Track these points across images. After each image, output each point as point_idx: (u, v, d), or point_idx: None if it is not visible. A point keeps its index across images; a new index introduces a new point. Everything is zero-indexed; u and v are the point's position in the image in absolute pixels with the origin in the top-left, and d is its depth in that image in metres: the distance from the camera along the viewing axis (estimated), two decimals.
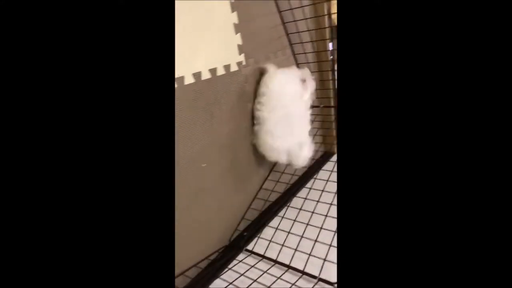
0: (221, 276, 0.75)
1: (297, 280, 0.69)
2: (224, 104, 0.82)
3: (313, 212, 0.84)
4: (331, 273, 0.68)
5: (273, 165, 1.03)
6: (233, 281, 0.71)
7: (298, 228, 0.82)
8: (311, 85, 0.92)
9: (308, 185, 1.01)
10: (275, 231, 0.86)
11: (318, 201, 0.87)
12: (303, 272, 0.71)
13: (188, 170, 0.74)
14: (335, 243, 0.73)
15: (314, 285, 0.67)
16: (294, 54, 1.05)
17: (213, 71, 0.77)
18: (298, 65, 1.08)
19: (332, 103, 1.19)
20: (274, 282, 0.69)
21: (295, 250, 0.76)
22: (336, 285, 0.66)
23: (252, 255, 0.82)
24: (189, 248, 0.78)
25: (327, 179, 0.93)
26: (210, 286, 0.75)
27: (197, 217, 0.79)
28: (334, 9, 1.13)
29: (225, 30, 0.80)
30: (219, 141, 0.82)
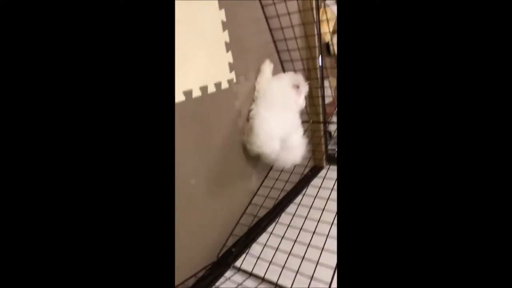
0: None
1: None
2: (214, 121, 0.83)
3: (301, 229, 0.85)
4: None
5: (263, 180, 1.04)
6: None
7: (286, 245, 0.82)
8: (305, 90, 0.97)
9: (297, 200, 1.01)
10: (263, 248, 0.86)
11: (306, 218, 0.88)
12: None
13: (176, 186, 0.74)
14: (322, 260, 0.73)
15: None
16: (284, 71, 1.08)
17: (204, 89, 0.78)
18: None
19: (321, 119, 1.21)
20: None
21: (283, 267, 0.76)
22: None
23: (240, 272, 0.82)
24: (177, 265, 0.77)
25: (315, 195, 0.94)
26: None
27: (185, 234, 0.79)
28: (323, 27, 1.16)
29: (217, 48, 0.81)
30: (208, 157, 0.83)
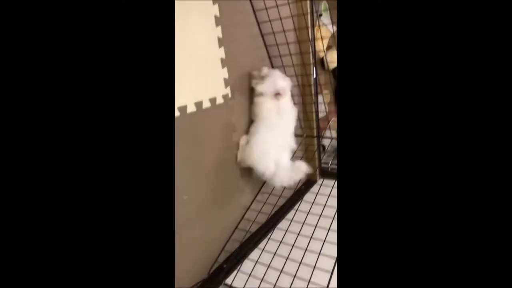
0: None
1: None
2: (208, 136, 0.83)
3: (293, 246, 0.85)
4: None
5: (256, 195, 1.04)
6: None
7: (278, 262, 0.82)
8: (287, 93, 0.93)
9: (289, 216, 1.01)
10: (255, 264, 0.85)
11: (298, 234, 0.88)
12: None
13: None
14: (314, 279, 0.73)
15: None
16: None
17: (198, 104, 0.78)
18: None
19: (314, 133, 1.22)
20: None
21: (274, 285, 0.76)
22: None
23: None
24: None
25: (308, 211, 0.94)
26: None
27: (176, 249, 0.78)
28: (318, 45, 1.19)
29: (212, 64, 0.82)
30: (202, 173, 0.83)
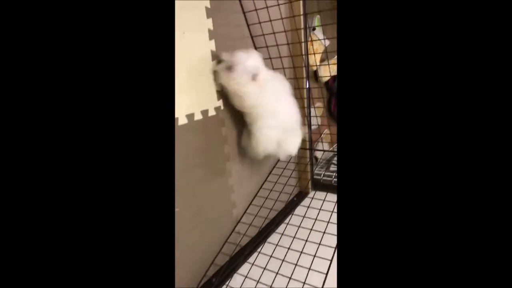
0: None
1: None
2: (200, 148, 0.83)
3: (283, 260, 0.84)
4: None
5: (246, 208, 1.03)
6: None
7: (267, 277, 0.81)
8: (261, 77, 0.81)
9: (280, 229, 1.01)
10: (244, 279, 0.84)
11: (289, 248, 0.87)
12: None
13: None
14: None
15: None
16: None
17: (190, 116, 0.78)
18: None
19: (307, 145, 1.23)
20: None
21: None
22: None
23: None
24: None
25: (299, 224, 0.94)
26: None
27: None
28: (311, 59, 1.20)
29: (205, 77, 0.82)
30: (193, 184, 0.82)
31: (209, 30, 0.81)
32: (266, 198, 1.06)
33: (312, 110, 1.19)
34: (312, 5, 1.10)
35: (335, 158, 1.47)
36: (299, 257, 0.82)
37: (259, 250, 0.94)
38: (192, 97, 0.78)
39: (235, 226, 0.98)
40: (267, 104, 0.84)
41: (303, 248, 0.84)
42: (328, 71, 1.30)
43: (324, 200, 1.00)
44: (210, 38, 0.82)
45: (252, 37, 0.97)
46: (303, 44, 1.04)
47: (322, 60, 1.38)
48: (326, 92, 1.42)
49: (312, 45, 1.16)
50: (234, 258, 0.94)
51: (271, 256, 0.88)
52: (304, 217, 0.96)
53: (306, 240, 0.86)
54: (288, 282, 0.77)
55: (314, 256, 0.79)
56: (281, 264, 0.83)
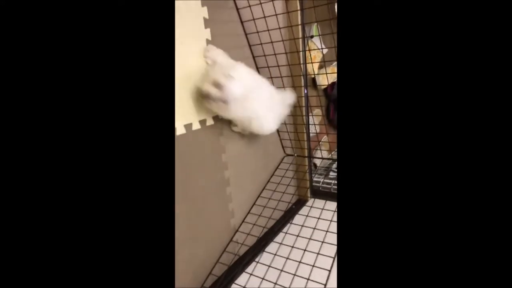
0: None
1: None
2: (198, 157, 0.83)
3: (281, 270, 0.83)
4: None
5: (245, 217, 1.03)
6: None
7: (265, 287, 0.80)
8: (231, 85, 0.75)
9: (278, 239, 1.00)
10: None
11: (287, 258, 0.86)
12: None
13: None
14: None
15: None
16: None
17: (188, 126, 0.78)
18: None
19: (306, 153, 1.22)
20: None
21: None
22: None
23: None
24: None
25: (298, 234, 0.93)
26: None
27: None
28: (309, 67, 1.21)
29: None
30: (190, 194, 0.82)
31: (207, 40, 0.81)
32: (264, 207, 1.06)
33: (310, 117, 1.19)
34: (310, 15, 1.10)
35: (334, 165, 1.47)
36: (298, 267, 0.82)
37: (257, 259, 0.93)
38: (190, 107, 0.79)
39: (233, 236, 0.97)
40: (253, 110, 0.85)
41: (301, 258, 0.83)
42: (326, 78, 1.31)
43: (322, 209, 0.99)
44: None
45: (250, 46, 0.97)
46: (301, 53, 1.04)
47: (320, 68, 1.39)
48: (324, 100, 1.43)
49: (310, 53, 1.17)
50: (232, 268, 0.93)
51: (269, 266, 0.87)
52: (302, 226, 0.96)
53: (305, 250, 0.85)
54: None
55: (313, 266, 0.79)
56: (279, 274, 0.82)
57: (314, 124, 1.22)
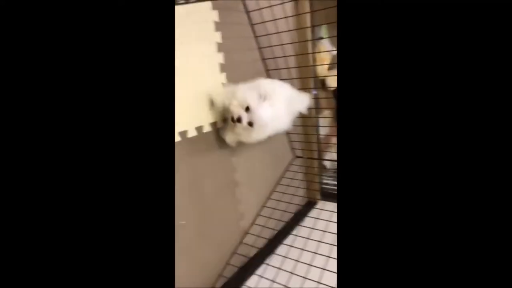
0: None
1: None
2: (208, 159, 0.83)
3: (291, 273, 0.83)
4: None
5: (254, 219, 1.03)
6: None
7: None
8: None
9: (288, 241, 1.00)
10: None
11: (297, 261, 0.86)
12: None
13: None
14: None
15: None
16: None
17: (199, 128, 0.79)
18: None
19: (315, 155, 1.22)
20: None
21: None
22: None
23: None
24: None
25: (308, 236, 0.93)
26: None
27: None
28: (319, 68, 1.20)
29: (213, 89, 0.83)
30: (201, 196, 0.82)
31: (217, 43, 0.82)
32: (274, 209, 1.06)
33: (320, 119, 1.19)
34: (319, 17, 1.10)
35: None
36: (308, 269, 0.82)
37: (267, 262, 0.93)
38: (201, 110, 0.79)
39: (243, 238, 0.97)
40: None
41: (312, 261, 0.83)
42: (336, 80, 1.30)
43: (333, 211, 0.99)
44: (219, 51, 0.83)
45: (259, 49, 0.98)
46: (310, 55, 1.04)
47: (330, 70, 1.38)
48: (334, 101, 1.42)
49: (320, 55, 1.16)
50: (242, 270, 0.93)
51: (279, 269, 0.87)
52: (312, 228, 0.95)
53: (315, 253, 0.85)
54: None
55: (323, 269, 0.78)
56: (289, 277, 0.82)
57: (324, 126, 1.22)
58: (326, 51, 1.29)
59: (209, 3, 0.78)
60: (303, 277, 0.80)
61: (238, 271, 0.92)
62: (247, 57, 0.94)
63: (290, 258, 0.89)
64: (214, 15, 0.81)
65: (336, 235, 0.87)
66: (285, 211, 1.06)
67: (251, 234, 0.99)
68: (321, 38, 1.31)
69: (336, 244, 0.84)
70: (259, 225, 1.01)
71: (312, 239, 0.91)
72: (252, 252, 0.99)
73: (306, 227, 0.97)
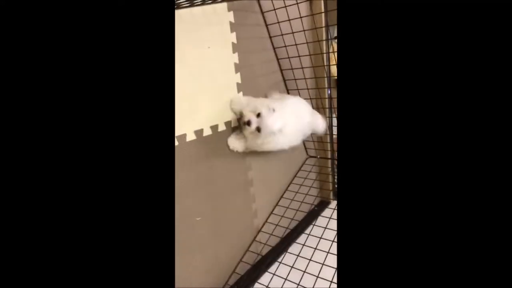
0: None
1: None
2: (223, 158, 0.85)
3: (304, 272, 0.83)
4: None
5: (267, 217, 1.04)
6: None
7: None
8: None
9: (301, 240, 1.00)
10: None
11: (310, 260, 0.86)
12: None
13: (180, 224, 0.75)
14: None
15: None
16: None
17: (214, 127, 0.80)
18: None
19: (329, 155, 1.22)
20: None
21: None
22: None
23: None
24: None
25: (321, 236, 0.93)
26: None
27: (187, 272, 0.79)
28: (333, 69, 1.20)
29: (228, 89, 0.85)
30: (215, 194, 0.84)
31: (233, 44, 0.84)
32: (287, 208, 1.06)
33: (334, 119, 1.19)
34: (334, 17, 1.10)
35: None
36: (321, 268, 0.82)
37: (280, 260, 0.94)
38: (215, 109, 0.81)
39: (256, 235, 0.99)
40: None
41: (324, 260, 0.83)
42: None
43: None
44: (234, 52, 0.84)
45: (274, 49, 0.99)
46: (325, 54, 1.04)
47: None
48: None
49: (334, 55, 1.16)
50: (255, 267, 0.94)
51: (292, 267, 0.87)
52: (325, 228, 0.95)
53: (328, 252, 0.85)
54: None
55: (336, 268, 0.78)
56: (302, 275, 0.83)
57: (337, 125, 1.21)
58: None
59: (224, 4, 0.80)
60: (316, 276, 0.80)
61: (251, 268, 0.93)
62: (262, 57, 0.95)
63: (302, 257, 0.89)
64: (230, 16, 0.82)
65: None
66: (298, 210, 1.06)
67: (264, 232, 1.01)
68: (336, 37, 1.31)
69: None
70: (272, 223, 1.02)
71: (325, 239, 0.92)
72: (265, 250, 1.00)
73: (319, 226, 0.97)
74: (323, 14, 1.01)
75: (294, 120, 0.82)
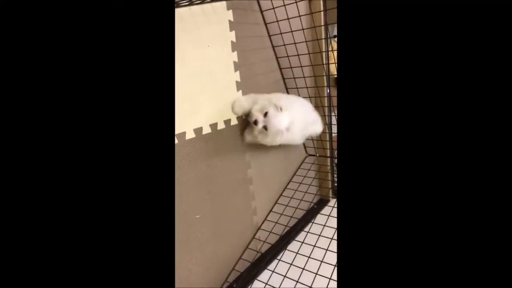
0: None
1: None
2: (222, 156, 0.85)
3: (303, 269, 0.84)
4: None
5: (267, 215, 1.04)
6: None
7: (287, 285, 0.81)
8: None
9: (300, 237, 1.01)
10: (265, 287, 0.85)
11: (309, 257, 0.87)
12: None
13: (180, 221, 0.76)
14: None
15: None
16: None
17: (213, 126, 0.81)
18: None
19: (328, 154, 1.22)
20: None
21: None
22: None
23: None
24: None
25: (320, 233, 0.93)
26: None
27: (186, 270, 0.79)
28: (332, 67, 1.20)
29: (227, 87, 0.85)
30: (215, 192, 0.85)
31: (232, 42, 0.84)
32: (286, 205, 1.07)
33: (333, 118, 1.19)
34: (333, 15, 1.10)
35: None
36: (320, 266, 0.82)
37: (279, 257, 0.95)
38: (215, 107, 0.81)
39: (256, 233, 0.99)
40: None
41: (323, 257, 0.84)
42: None
43: None
44: (233, 50, 0.85)
45: (273, 48, 0.99)
46: (324, 53, 1.04)
47: None
48: None
49: (333, 53, 1.16)
50: (254, 264, 0.95)
51: (291, 264, 0.88)
52: (324, 225, 0.96)
53: (327, 249, 0.85)
54: None
55: (335, 265, 0.79)
56: (301, 273, 0.83)
57: (337, 124, 1.22)
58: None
59: (223, 3, 0.80)
60: (315, 273, 0.81)
61: (250, 265, 0.93)
62: (261, 55, 0.96)
63: (301, 254, 0.90)
64: (229, 15, 0.82)
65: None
66: (297, 208, 1.07)
67: (264, 230, 1.01)
68: (335, 36, 1.31)
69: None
70: (272, 221, 1.03)
71: (324, 236, 0.92)
72: (265, 247, 1.00)
73: (318, 224, 0.98)
74: (322, 13, 1.02)
75: (301, 118, 0.86)
